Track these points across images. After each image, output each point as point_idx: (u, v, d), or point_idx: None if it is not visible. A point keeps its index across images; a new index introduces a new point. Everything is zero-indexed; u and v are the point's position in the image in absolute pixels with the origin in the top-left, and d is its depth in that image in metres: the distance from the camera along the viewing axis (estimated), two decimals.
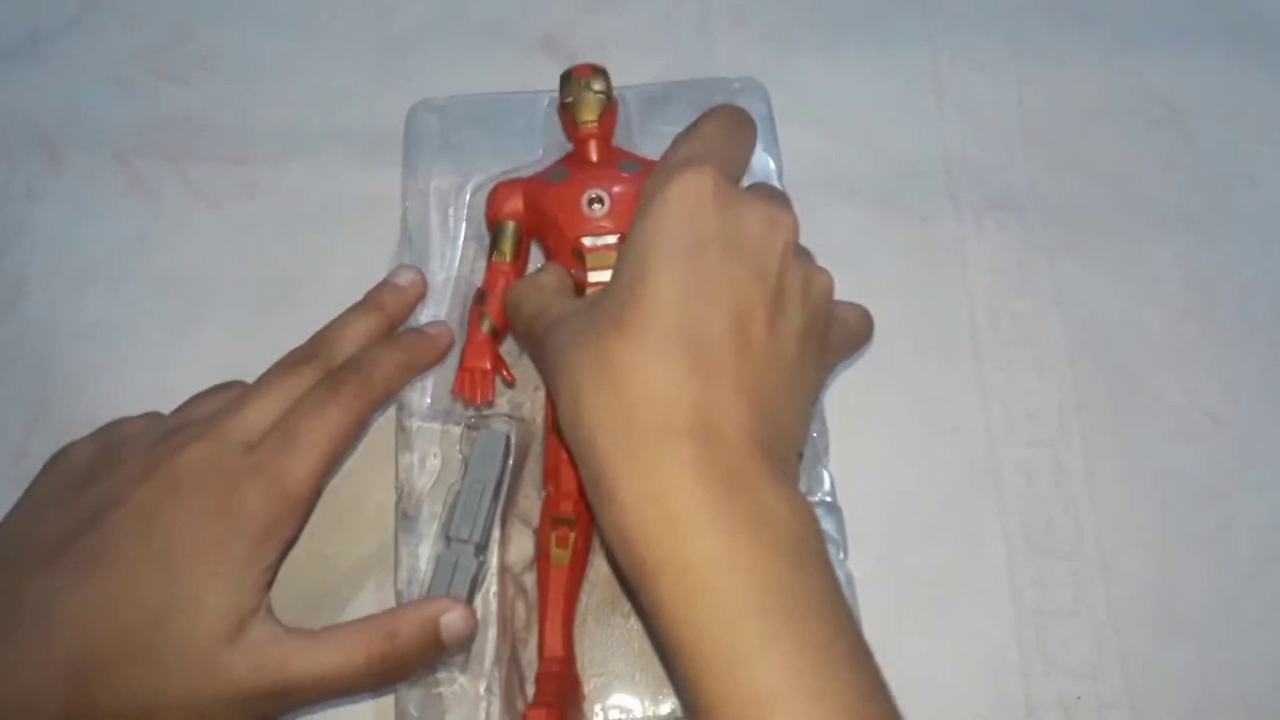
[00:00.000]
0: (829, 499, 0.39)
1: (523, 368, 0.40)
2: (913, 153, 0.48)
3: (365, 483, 0.40)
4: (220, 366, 0.39)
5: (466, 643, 0.35)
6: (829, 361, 0.35)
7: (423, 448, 0.39)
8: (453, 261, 0.42)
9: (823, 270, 0.32)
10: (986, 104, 0.49)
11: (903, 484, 0.41)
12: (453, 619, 0.33)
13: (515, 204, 0.39)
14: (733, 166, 0.32)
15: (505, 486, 0.38)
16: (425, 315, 0.41)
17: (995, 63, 0.51)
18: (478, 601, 0.36)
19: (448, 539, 0.36)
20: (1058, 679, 0.39)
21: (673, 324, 0.28)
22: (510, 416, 0.40)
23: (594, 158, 0.39)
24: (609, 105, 0.39)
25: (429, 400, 0.40)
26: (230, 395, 0.36)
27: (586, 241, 0.37)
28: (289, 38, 0.49)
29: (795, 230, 0.31)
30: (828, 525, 0.39)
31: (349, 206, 0.45)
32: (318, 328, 0.39)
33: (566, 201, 0.37)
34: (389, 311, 0.38)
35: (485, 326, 0.38)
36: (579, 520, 0.36)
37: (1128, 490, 0.42)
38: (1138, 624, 0.40)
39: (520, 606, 0.37)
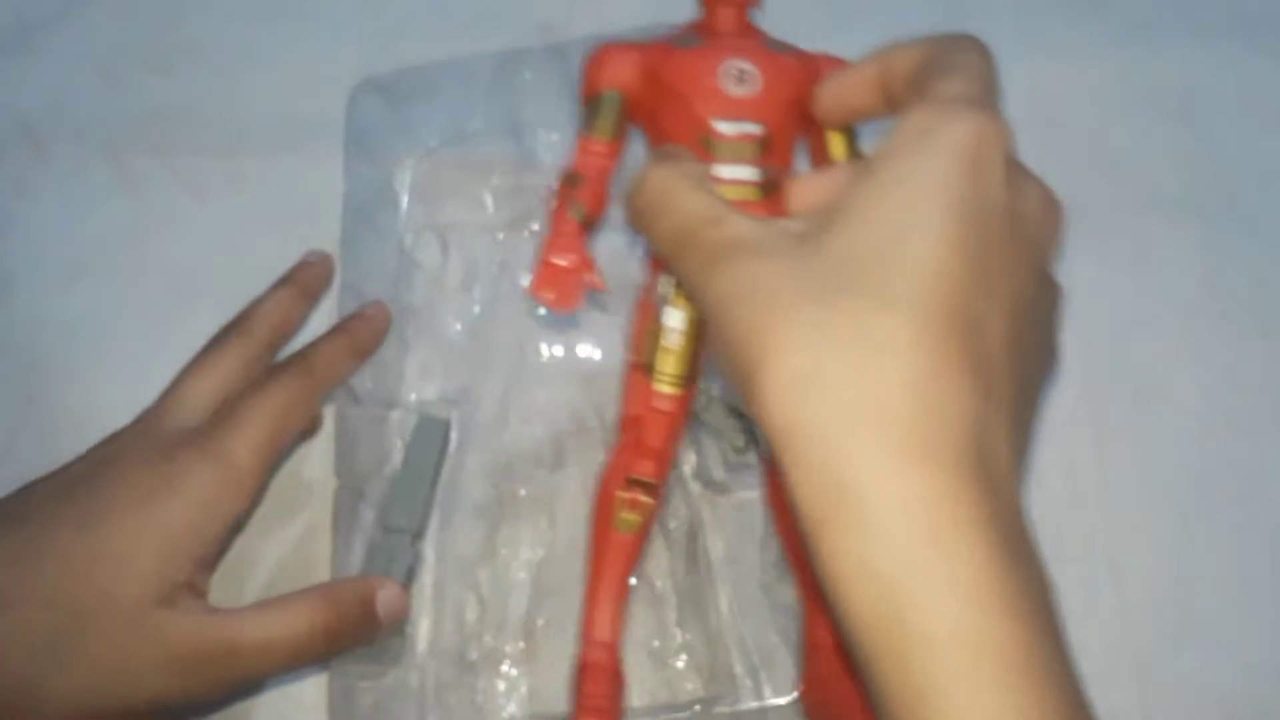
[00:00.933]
0: None
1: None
2: None
3: (303, 468, 0.40)
4: None
5: (399, 623, 0.34)
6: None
7: (362, 433, 0.39)
8: (395, 245, 0.42)
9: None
10: None
11: None
12: (388, 595, 0.33)
13: (626, 70, 0.31)
14: None
15: (441, 474, 0.37)
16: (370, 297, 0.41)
17: (1005, 54, 0.49)
18: (414, 591, 0.36)
19: (385, 528, 0.36)
20: None
21: (954, 311, 0.22)
22: (450, 401, 0.39)
23: (735, 29, 0.31)
24: None
25: (370, 385, 0.39)
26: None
27: (720, 127, 0.29)
28: (279, 28, 0.48)
29: (1065, 219, 0.26)
30: None
31: (338, 199, 0.44)
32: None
33: (699, 72, 0.30)
34: (301, 283, 0.38)
35: (575, 214, 0.31)
36: (659, 487, 0.31)
37: (1140, 492, 0.41)
38: (1150, 629, 0.39)
39: (471, 601, 0.35)
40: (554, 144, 0.43)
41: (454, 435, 0.38)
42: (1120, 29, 0.51)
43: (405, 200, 0.43)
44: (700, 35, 0.32)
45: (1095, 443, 0.42)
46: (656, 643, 0.36)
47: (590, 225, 0.31)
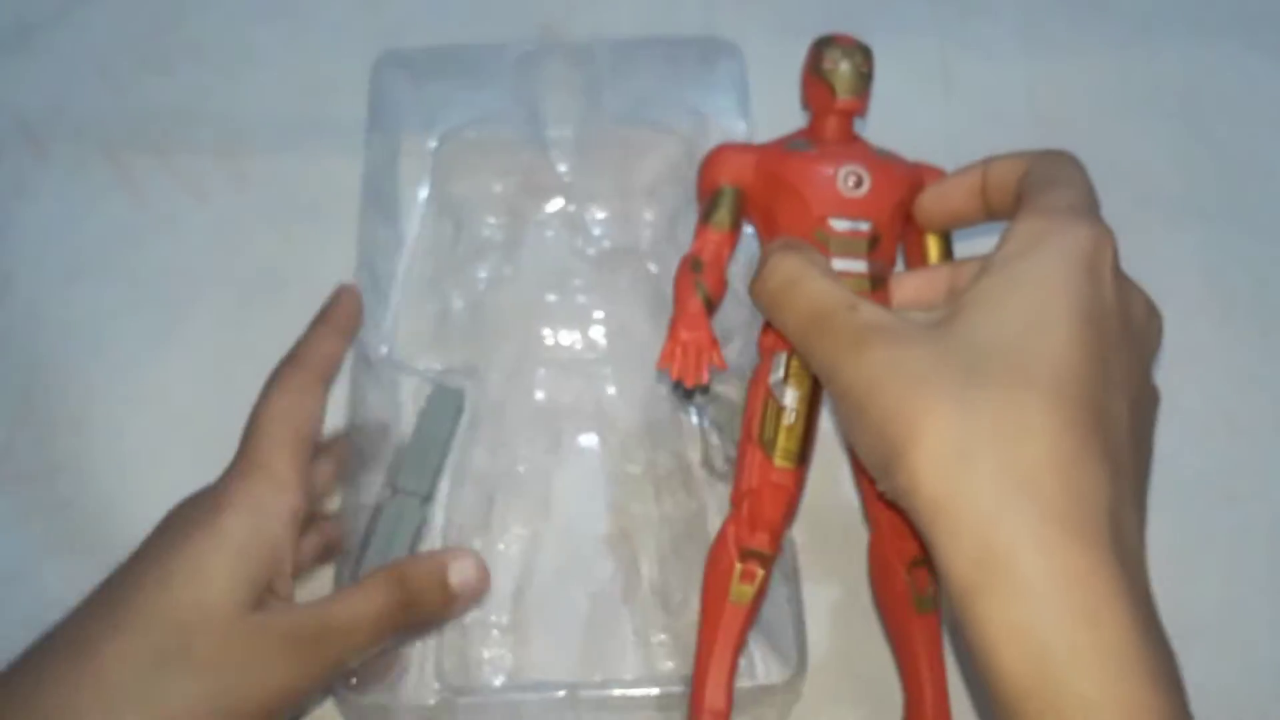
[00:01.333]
0: None
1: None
2: (920, 144, 0.47)
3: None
4: (209, 361, 0.38)
5: (479, 594, 0.34)
6: None
7: (371, 397, 0.39)
8: (412, 218, 0.43)
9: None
10: (996, 95, 0.49)
11: None
12: (462, 567, 0.32)
13: (744, 169, 0.34)
14: None
15: (453, 444, 0.38)
16: (400, 270, 0.43)
17: (1005, 53, 0.50)
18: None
19: (394, 488, 0.36)
20: None
21: (1088, 399, 0.24)
22: (460, 373, 0.40)
23: (842, 137, 0.34)
24: (869, 83, 0.35)
25: (383, 350, 0.40)
26: None
27: (835, 224, 0.32)
28: (278, 27, 0.49)
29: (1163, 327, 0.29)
30: None
31: (339, 199, 0.44)
32: (308, 321, 0.38)
33: (819, 175, 0.32)
34: (340, 324, 0.38)
35: (700, 295, 0.33)
36: (772, 559, 0.32)
37: None
38: None
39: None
40: (567, 138, 0.44)
41: (465, 406, 0.39)
42: (1121, 29, 0.51)
43: (421, 175, 0.44)
44: (810, 140, 0.35)
45: None
46: (651, 625, 0.37)
47: (712, 306, 0.34)
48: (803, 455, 0.32)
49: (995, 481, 0.24)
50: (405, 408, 0.40)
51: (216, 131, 0.46)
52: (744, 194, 0.35)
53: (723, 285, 0.34)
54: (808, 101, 0.36)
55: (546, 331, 0.41)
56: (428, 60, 0.44)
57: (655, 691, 0.34)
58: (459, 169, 0.44)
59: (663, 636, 0.37)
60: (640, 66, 0.44)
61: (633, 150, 0.44)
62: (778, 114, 0.44)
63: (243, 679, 0.29)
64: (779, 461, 0.31)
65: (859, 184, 0.32)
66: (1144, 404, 0.28)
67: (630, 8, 0.49)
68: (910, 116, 0.48)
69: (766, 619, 0.35)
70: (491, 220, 0.43)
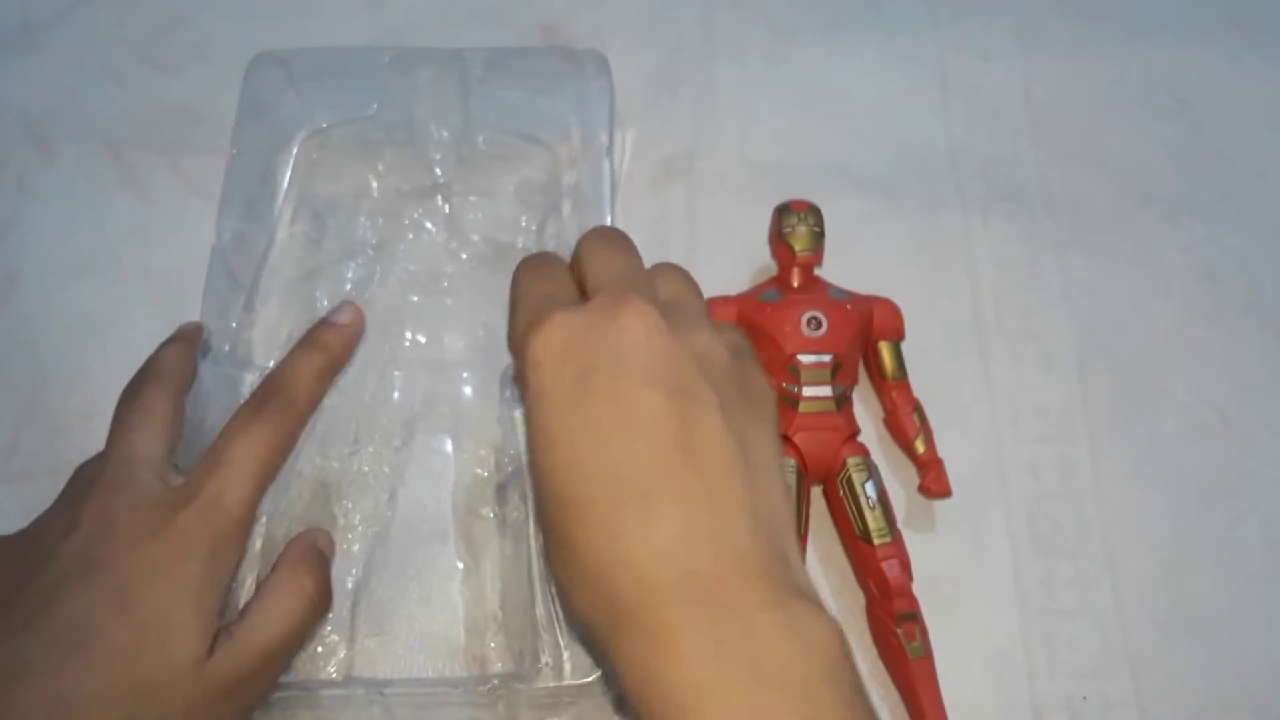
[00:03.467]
0: None
1: None
2: (918, 144, 0.48)
3: None
4: None
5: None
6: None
7: (215, 392, 0.39)
8: (272, 215, 0.44)
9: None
10: (993, 95, 0.49)
11: (906, 481, 0.41)
12: (323, 537, 0.36)
13: (729, 319, 0.41)
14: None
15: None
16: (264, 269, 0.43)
17: (1002, 53, 0.50)
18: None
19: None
20: (1064, 679, 0.38)
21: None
22: None
23: (804, 282, 0.41)
24: (821, 238, 0.41)
25: (227, 348, 0.40)
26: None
27: (803, 359, 0.39)
28: (283, 27, 0.48)
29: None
30: None
31: None
32: (312, 321, 0.39)
33: (784, 320, 0.40)
34: (334, 352, 0.38)
35: None
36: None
37: (1135, 488, 0.41)
38: (1145, 623, 0.39)
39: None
40: (444, 140, 0.44)
41: None
42: (1117, 28, 0.51)
43: (289, 172, 0.44)
44: (779, 289, 0.41)
45: (1090, 438, 0.42)
46: (470, 620, 0.37)
47: None
48: (798, 532, 0.37)
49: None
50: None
51: (222, 131, 0.45)
52: None
53: None
54: (775, 256, 0.42)
55: (408, 333, 0.41)
56: (302, 61, 0.44)
57: (484, 688, 0.35)
58: (327, 169, 0.44)
59: (499, 638, 0.37)
60: (510, 74, 0.44)
61: (504, 157, 0.45)
62: (805, 133, 0.44)
63: None
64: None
65: (819, 326, 0.39)
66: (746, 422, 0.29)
67: (633, 8, 0.50)
68: (907, 117, 0.48)
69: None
70: (364, 220, 0.43)
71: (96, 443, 0.34)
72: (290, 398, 0.35)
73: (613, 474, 0.27)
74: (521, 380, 0.30)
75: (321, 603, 0.34)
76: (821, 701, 0.24)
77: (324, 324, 0.39)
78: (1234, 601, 0.40)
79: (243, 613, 0.32)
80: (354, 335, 0.39)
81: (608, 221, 0.41)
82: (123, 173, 0.46)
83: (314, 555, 0.35)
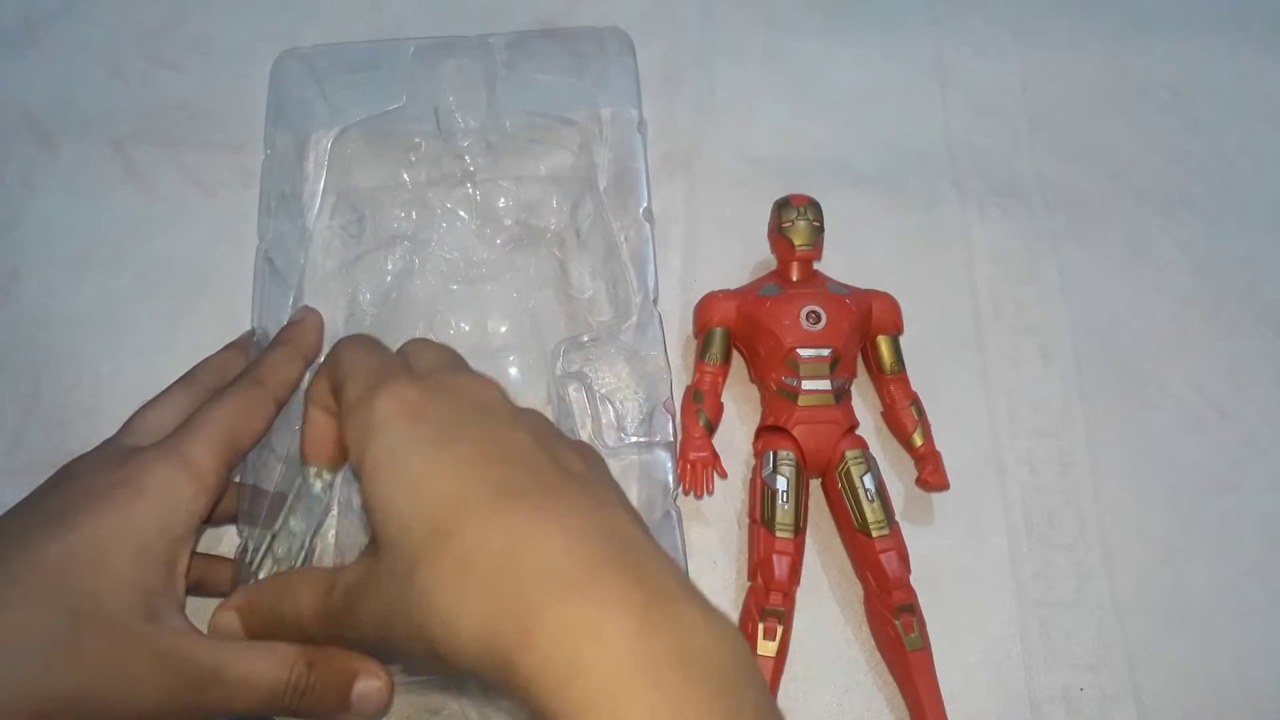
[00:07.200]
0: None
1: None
2: (916, 139, 0.48)
3: None
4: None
5: (375, 714, 0.32)
6: None
7: None
8: (310, 212, 0.43)
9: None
10: (991, 90, 0.49)
11: (904, 474, 0.41)
12: (366, 686, 0.31)
13: (727, 313, 0.41)
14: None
15: None
16: (305, 264, 0.42)
17: (1000, 48, 0.50)
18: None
19: (304, 471, 0.36)
20: (1061, 671, 0.38)
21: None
22: None
23: (803, 277, 0.41)
24: (821, 232, 0.41)
25: None
26: None
27: (802, 353, 0.39)
28: (284, 22, 0.49)
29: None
30: None
31: None
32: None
33: (784, 314, 0.40)
34: (297, 341, 0.38)
35: (702, 421, 0.40)
36: (787, 614, 0.38)
37: (1132, 481, 0.41)
38: (1141, 616, 0.39)
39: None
40: (472, 129, 0.44)
41: None
42: (1114, 24, 0.51)
43: (324, 169, 0.44)
44: (779, 283, 0.41)
45: (1087, 431, 0.42)
46: None
47: (713, 428, 0.40)
48: (798, 525, 0.38)
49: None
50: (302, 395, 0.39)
51: (224, 126, 0.46)
52: (731, 331, 0.41)
53: (720, 410, 0.41)
54: (774, 251, 0.42)
55: (452, 320, 0.42)
56: (325, 57, 0.44)
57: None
58: (360, 163, 0.45)
59: None
60: (536, 59, 0.44)
61: (533, 140, 0.45)
62: (805, 128, 0.45)
63: (116, 690, 0.29)
64: (779, 533, 0.38)
65: (818, 320, 0.40)
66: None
67: (634, 3, 0.50)
68: (906, 111, 0.48)
69: None
70: (399, 213, 0.43)
71: (99, 436, 0.35)
72: (256, 379, 0.36)
73: (503, 485, 0.26)
74: (365, 438, 0.28)
75: (293, 703, 0.31)
76: (743, 696, 0.24)
77: (285, 326, 0.40)
78: (1230, 594, 0.40)
79: (235, 641, 0.31)
80: (312, 326, 0.39)
81: (647, 195, 0.42)
82: (125, 167, 0.46)
83: (333, 674, 0.31)
